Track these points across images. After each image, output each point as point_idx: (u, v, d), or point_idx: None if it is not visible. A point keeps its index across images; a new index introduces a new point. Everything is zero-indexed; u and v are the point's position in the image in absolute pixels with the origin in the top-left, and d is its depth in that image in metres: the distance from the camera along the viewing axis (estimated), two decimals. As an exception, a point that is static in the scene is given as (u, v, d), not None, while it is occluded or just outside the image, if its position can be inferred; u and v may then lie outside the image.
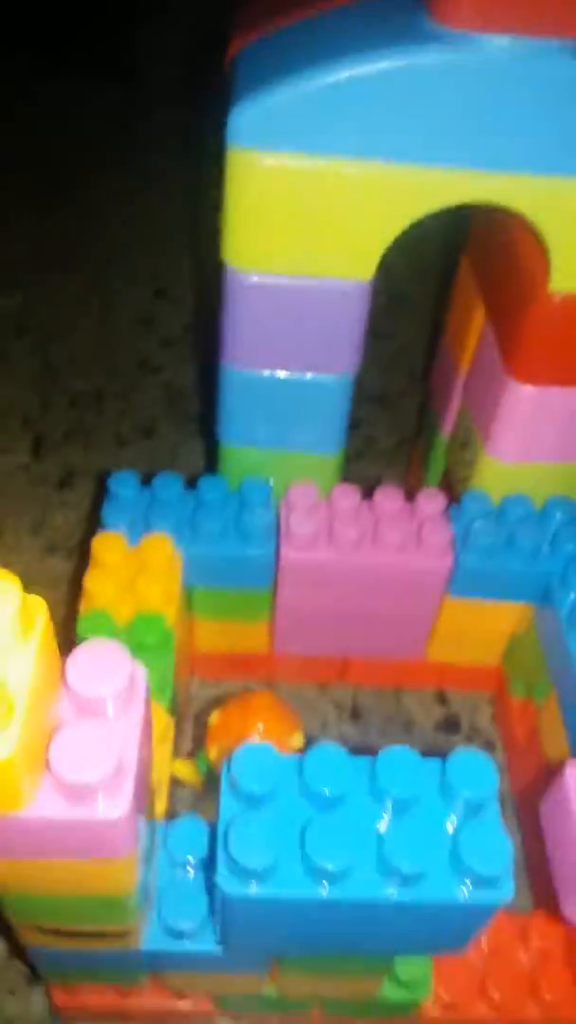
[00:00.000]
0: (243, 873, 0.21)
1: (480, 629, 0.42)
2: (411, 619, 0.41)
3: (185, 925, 0.26)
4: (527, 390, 0.36)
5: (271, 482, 0.40)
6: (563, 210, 0.31)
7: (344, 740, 0.43)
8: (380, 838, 0.22)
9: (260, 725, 0.32)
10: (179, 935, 0.26)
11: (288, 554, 0.38)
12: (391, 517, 0.39)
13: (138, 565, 0.36)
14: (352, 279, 0.33)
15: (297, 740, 0.34)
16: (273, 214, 0.31)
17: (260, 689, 0.34)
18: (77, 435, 0.59)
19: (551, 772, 0.31)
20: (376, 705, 0.45)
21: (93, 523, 0.53)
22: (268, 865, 0.21)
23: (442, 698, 0.46)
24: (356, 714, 0.45)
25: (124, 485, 0.39)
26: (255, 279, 0.33)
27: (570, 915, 0.25)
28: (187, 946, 0.27)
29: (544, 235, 0.32)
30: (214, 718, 0.35)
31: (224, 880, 0.22)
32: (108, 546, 0.36)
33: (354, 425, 0.41)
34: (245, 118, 0.29)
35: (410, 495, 0.40)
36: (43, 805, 0.18)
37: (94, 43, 0.97)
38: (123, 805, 0.18)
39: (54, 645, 0.19)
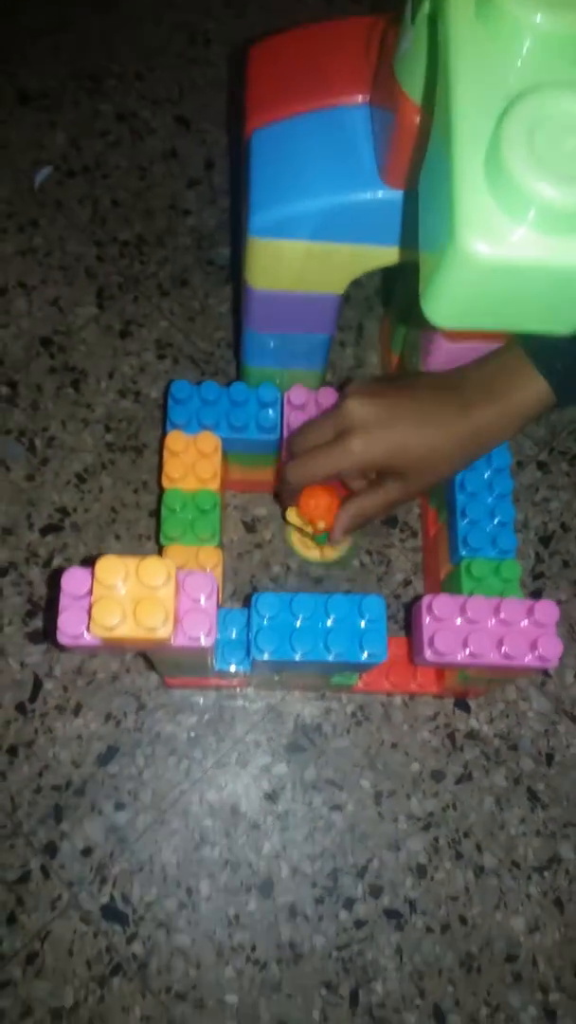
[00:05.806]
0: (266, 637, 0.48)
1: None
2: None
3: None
4: (448, 346, 0.55)
5: (277, 381, 0.60)
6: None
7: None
8: (326, 633, 0.48)
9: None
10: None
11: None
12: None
13: (196, 453, 0.58)
14: (329, 292, 0.51)
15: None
16: (277, 265, 0.48)
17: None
18: (128, 286, 0.76)
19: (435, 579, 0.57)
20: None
21: (149, 374, 0.73)
22: (273, 651, 0.47)
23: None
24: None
25: (181, 391, 0.59)
26: (266, 291, 0.51)
27: (417, 662, 0.51)
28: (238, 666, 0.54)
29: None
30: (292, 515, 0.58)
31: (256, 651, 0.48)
32: (176, 440, 0.58)
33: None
34: (262, 222, 0.45)
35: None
36: (180, 637, 0.44)
37: None
38: (211, 639, 0.43)
39: (175, 581, 0.42)
